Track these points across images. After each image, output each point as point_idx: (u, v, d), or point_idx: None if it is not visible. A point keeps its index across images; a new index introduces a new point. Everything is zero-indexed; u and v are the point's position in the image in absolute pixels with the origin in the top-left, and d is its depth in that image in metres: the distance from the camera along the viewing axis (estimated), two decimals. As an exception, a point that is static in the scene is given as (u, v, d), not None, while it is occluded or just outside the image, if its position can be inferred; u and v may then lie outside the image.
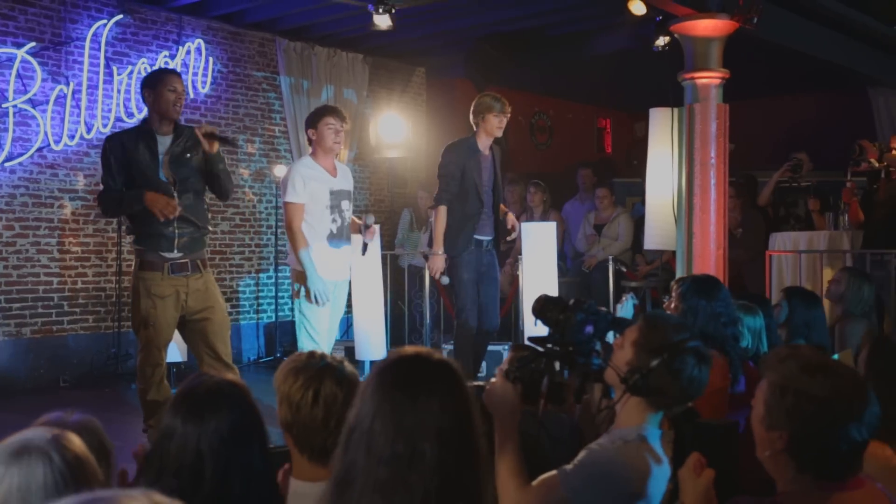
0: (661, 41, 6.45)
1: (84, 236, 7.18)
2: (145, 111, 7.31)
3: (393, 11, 6.57)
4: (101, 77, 7.21)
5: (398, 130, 9.03)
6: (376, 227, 5.15)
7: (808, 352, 1.91)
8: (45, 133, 6.90)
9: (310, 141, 4.97)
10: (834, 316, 4.77)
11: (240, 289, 8.28)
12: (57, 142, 6.98)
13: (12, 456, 1.44)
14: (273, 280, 8.44)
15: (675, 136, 6.24)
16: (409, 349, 1.59)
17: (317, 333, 4.88)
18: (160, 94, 4.43)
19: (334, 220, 4.90)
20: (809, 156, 7.89)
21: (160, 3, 7.50)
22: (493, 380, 2.36)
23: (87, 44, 7.11)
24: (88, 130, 7.15)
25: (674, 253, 6.49)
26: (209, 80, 7.87)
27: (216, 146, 4.43)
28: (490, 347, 5.98)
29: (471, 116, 5.56)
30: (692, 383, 2.17)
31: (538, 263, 6.33)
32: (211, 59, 7.92)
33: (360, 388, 1.56)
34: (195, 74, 7.79)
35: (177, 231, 4.40)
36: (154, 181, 4.37)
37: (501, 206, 5.69)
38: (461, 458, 1.45)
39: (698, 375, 2.17)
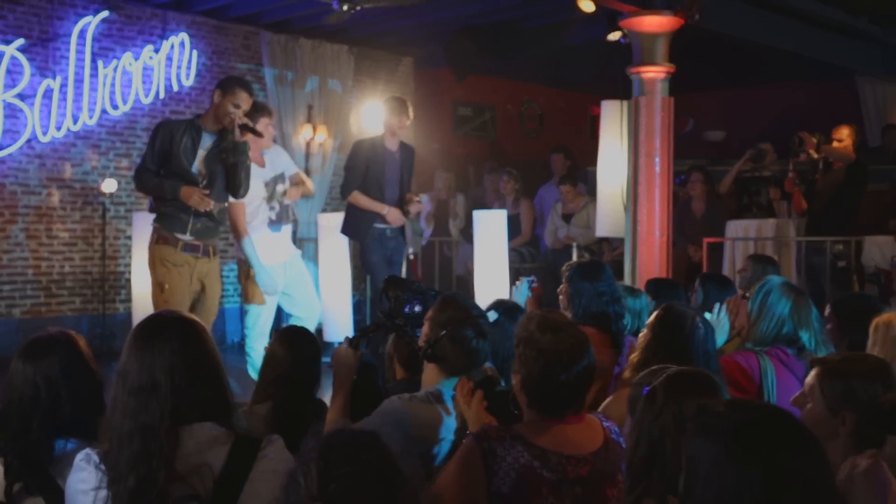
0: (614, 36, 6.64)
1: (71, 222, 7.60)
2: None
3: (358, 9, 6.84)
4: (87, 71, 7.58)
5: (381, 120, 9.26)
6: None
7: (555, 315, 2.32)
8: (34, 125, 7.30)
9: None
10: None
11: (223, 274, 8.61)
12: (45, 133, 7.37)
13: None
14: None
15: (624, 128, 6.46)
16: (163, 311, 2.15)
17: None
18: (224, 103, 4.72)
19: (272, 208, 5.24)
20: (783, 145, 8.03)
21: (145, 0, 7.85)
22: (341, 344, 2.87)
23: (74, 40, 7.49)
24: (75, 122, 7.54)
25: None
26: (193, 72, 8.21)
27: (247, 136, 4.80)
28: None
29: (382, 116, 6.01)
30: (473, 352, 2.62)
31: (489, 251, 6.60)
32: (194, 53, 8.25)
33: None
34: (179, 67, 8.14)
35: (192, 218, 4.78)
36: (186, 172, 4.73)
37: (408, 195, 6.05)
38: (191, 389, 1.91)
39: (478, 346, 2.62)
